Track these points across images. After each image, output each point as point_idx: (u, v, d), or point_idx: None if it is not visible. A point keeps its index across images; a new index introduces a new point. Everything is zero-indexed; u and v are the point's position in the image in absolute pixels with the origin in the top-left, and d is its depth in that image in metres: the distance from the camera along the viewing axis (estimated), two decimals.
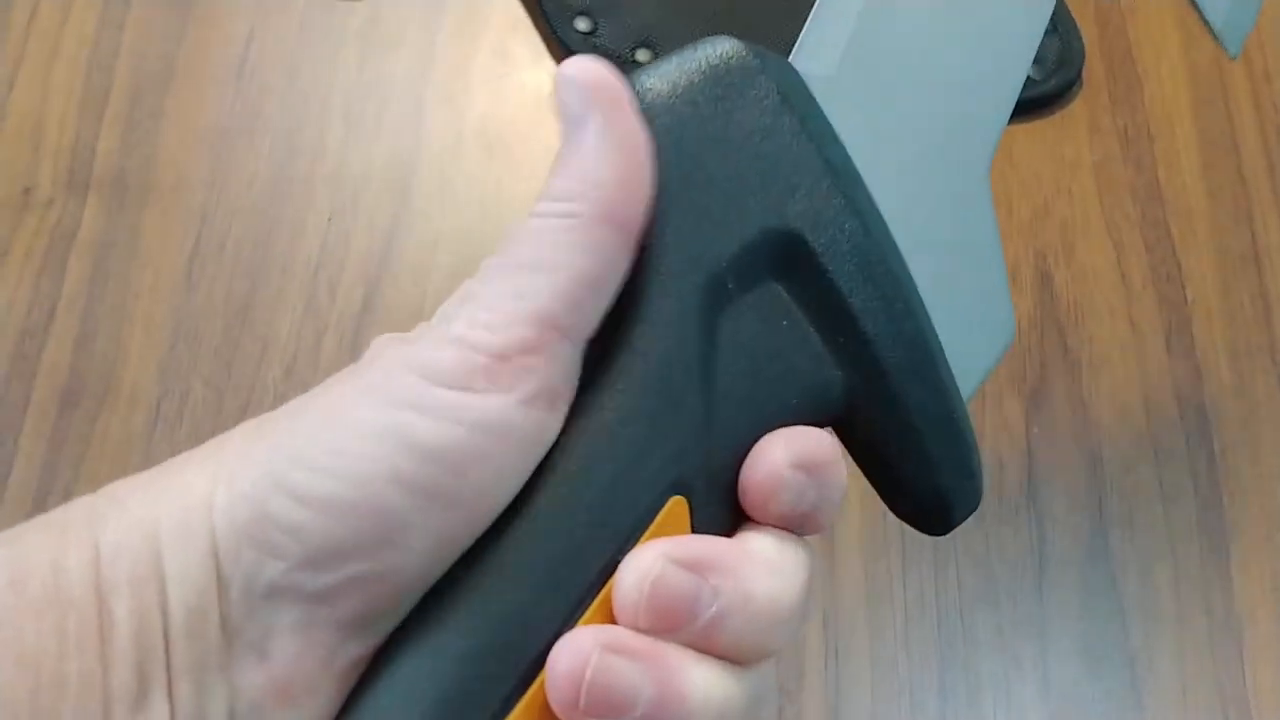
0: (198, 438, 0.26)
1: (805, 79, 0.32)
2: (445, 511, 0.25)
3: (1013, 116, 0.56)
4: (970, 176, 0.34)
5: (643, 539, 0.26)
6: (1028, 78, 0.58)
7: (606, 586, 0.26)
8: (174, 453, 0.26)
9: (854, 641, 0.48)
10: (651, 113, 0.29)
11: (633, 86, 0.29)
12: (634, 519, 0.27)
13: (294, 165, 0.55)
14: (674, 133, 0.29)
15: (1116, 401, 0.53)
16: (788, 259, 0.30)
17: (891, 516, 0.49)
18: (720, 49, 0.30)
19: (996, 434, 0.51)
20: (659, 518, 0.27)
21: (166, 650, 0.24)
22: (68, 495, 0.48)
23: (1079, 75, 0.59)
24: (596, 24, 0.57)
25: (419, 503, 0.25)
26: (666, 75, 0.30)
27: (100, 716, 0.24)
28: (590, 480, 0.27)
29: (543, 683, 0.25)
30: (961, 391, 0.32)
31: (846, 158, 0.31)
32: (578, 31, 0.57)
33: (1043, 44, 0.58)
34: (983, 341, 0.33)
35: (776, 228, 0.29)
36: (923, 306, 0.31)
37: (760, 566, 0.27)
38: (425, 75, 0.57)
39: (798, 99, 0.30)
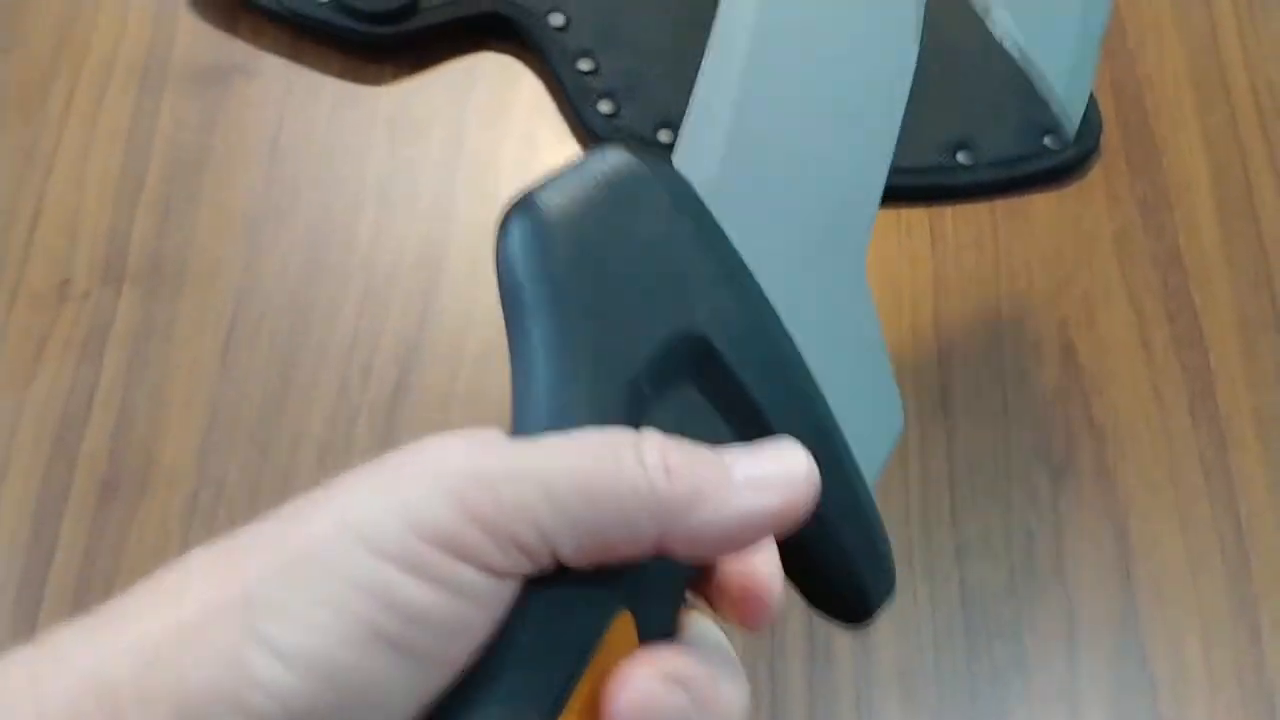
0: (235, 526, 0.26)
1: (690, 184, 0.33)
2: (421, 665, 0.25)
3: (1032, 186, 0.58)
4: (849, 266, 0.36)
5: (595, 656, 0.27)
6: (1045, 147, 0.59)
7: (575, 699, 0.27)
8: (212, 541, 0.26)
9: (887, 716, 0.48)
10: (555, 229, 0.30)
11: (534, 202, 0.30)
12: (588, 638, 0.27)
13: (326, 250, 0.56)
14: (579, 247, 0.30)
15: (1142, 470, 0.53)
16: (696, 360, 0.31)
17: (921, 594, 0.49)
18: (612, 160, 0.31)
19: (1024, 506, 0.52)
20: (609, 634, 0.27)
21: None
22: (108, 583, 0.48)
23: (1097, 145, 0.60)
24: (619, 107, 0.58)
25: (402, 662, 0.25)
26: (565, 190, 0.31)
27: None
28: (544, 608, 0.27)
29: None
30: (866, 477, 0.33)
31: (738, 258, 0.32)
32: (601, 114, 0.58)
33: (1059, 114, 0.59)
34: (876, 430, 0.34)
35: (683, 332, 0.30)
36: (821, 397, 0.32)
37: (727, 672, 0.28)
38: (454, 160, 0.58)
39: (688, 205, 0.32)
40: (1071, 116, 0.50)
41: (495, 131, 0.59)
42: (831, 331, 0.34)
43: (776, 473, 0.28)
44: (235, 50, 0.60)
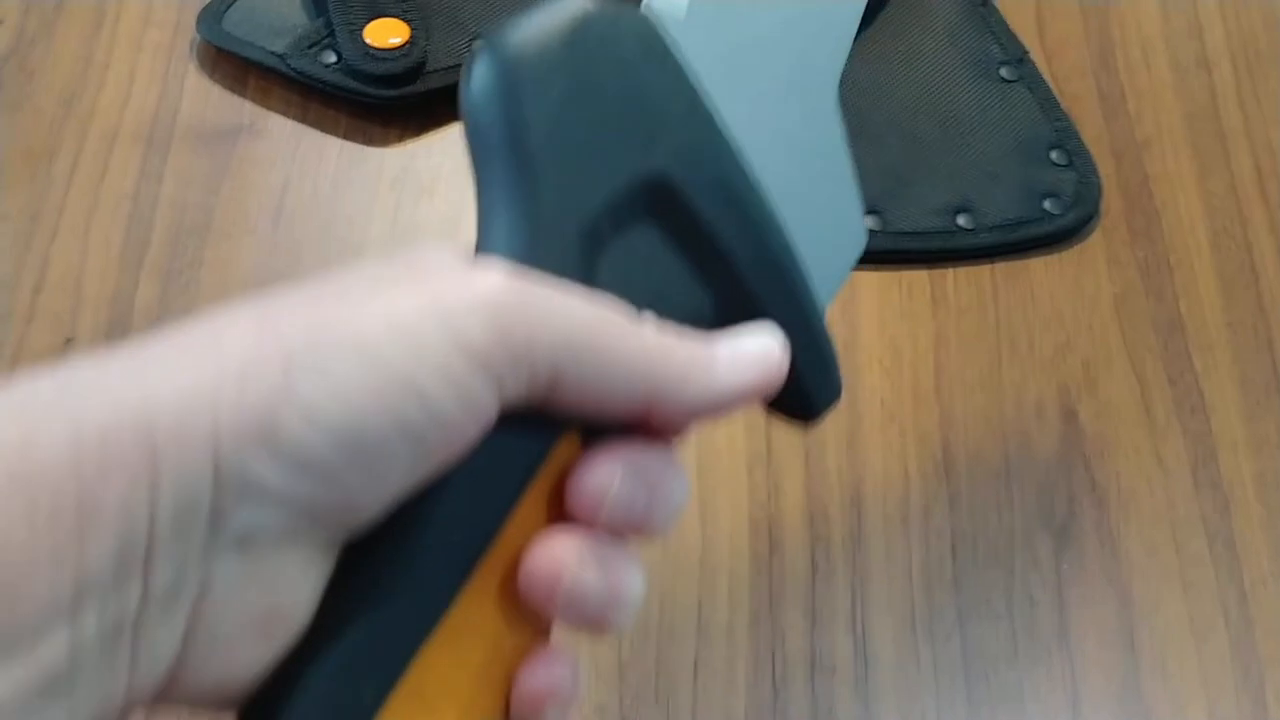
0: None
1: (661, 17, 0.34)
2: (423, 458, 0.28)
3: (1032, 249, 0.58)
4: (820, 96, 0.37)
5: (542, 470, 0.30)
6: (1046, 211, 0.59)
7: (528, 495, 0.30)
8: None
9: None
10: (519, 70, 0.31)
11: (498, 44, 0.32)
12: (540, 450, 0.30)
13: None
14: (541, 88, 0.31)
15: (1145, 536, 0.53)
16: (656, 198, 0.32)
17: (924, 658, 0.49)
18: (577, 3, 0.32)
19: (1026, 570, 0.52)
20: (556, 450, 0.30)
21: (150, 537, 0.25)
22: None
23: (1097, 209, 0.60)
24: None
25: (408, 448, 0.27)
26: (529, 32, 0.32)
27: (70, 596, 0.24)
28: (509, 423, 0.29)
29: (481, 575, 0.30)
30: (824, 296, 0.36)
31: (700, 96, 0.33)
32: None
33: (1059, 179, 0.59)
34: (838, 251, 0.37)
35: (643, 171, 0.32)
36: (779, 230, 0.34)
37: (674, 468, 0.31)
38: (458, 223, 0.58)
39: (653, 46, 0.33)
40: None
41: None
42: (798, 159, 0.36)
43: (754, 353, 0.32)
44: (242, 111, 0.60)
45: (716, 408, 0.31)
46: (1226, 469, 0.55)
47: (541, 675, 0.31)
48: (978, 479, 0.54)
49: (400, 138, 0.60)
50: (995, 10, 0.65)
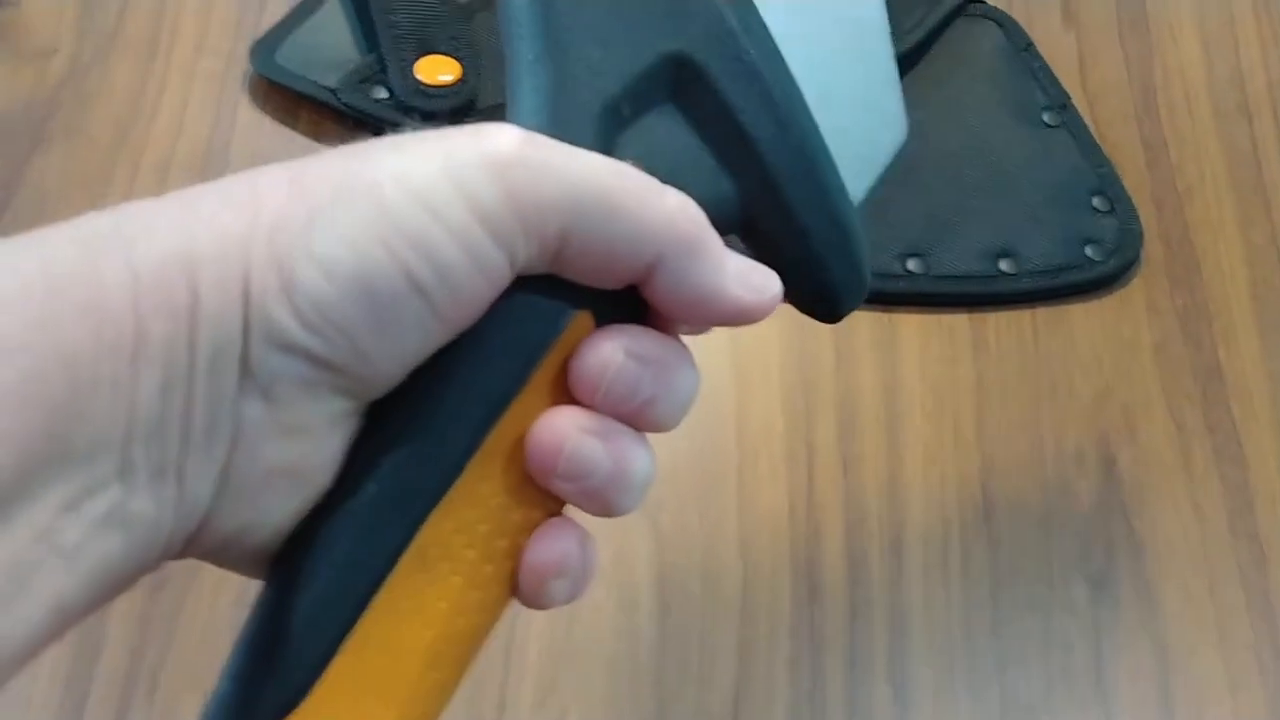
0: None
1: None
2: (433, 319, 0.28)
3: (1073, 295, 0.58)
4: None
5: (554, 345, 0.30)
6: (1087, 258, 0.60)
7: (538, 374, 0.30)
8: None
9: None
10: None
11: None
12: (553, 324, 0.30)
13: None
14: None
15: (1181, 586, 0.53)
16: (679, 80, 0.33)
17: (962, 706, 0.49)
18: None
19: (1063, 617, 0.52)
20: (571, 325, 0.31)
21: (190, 377, 0.27)
22: (154, 678, 0.49)
23: (1138, 255, 0.61)
24: None
25: (417, 303, 0.28)
26: None
27: (125, 423, 0.26)
28: (520, 299, 0.30)
29: (489, 449, 0.30)
30: (857, 188, 0.35)
31: None
32: None
33: (1101, 225, 0.60)
34: (875, 142, 0.37)
35: (665, 52, 0.32)
36: (807, 115, 0.34)
37: (681, 360, 0.32)
38: None
39: None
40: None
41: None
42: (837, 51, 0.36)
43: (758, 279, 0.32)
44: (294, 144, 0.61)
45: (714, 300, 0.31)
46: (1264, 520, 0.55)
47: (545, 548, 0.31)
48: (1017, 525, 0.54)
49: None
50: (1038, 55, 0.66)
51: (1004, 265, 0.59)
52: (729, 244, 0.33)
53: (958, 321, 0.59)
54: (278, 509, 0.29)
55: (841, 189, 0.34)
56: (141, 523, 0.27)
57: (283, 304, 0.27)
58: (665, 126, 0.33)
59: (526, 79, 0.32)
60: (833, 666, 0.50)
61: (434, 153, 0.29)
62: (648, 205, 0.30)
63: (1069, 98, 0.64)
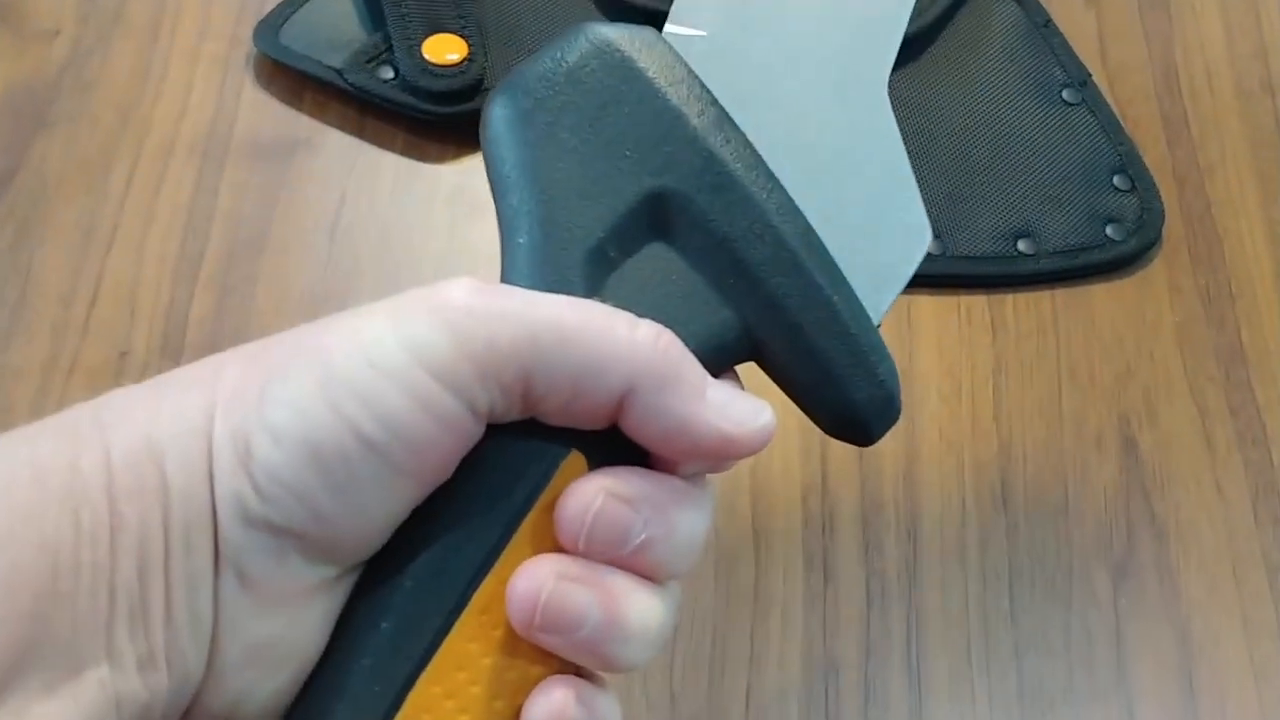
0: None
1: (682, 40, 0.34)
2: (394, 475, 0.28)
3: (1093, 276, 0.57)
4: (868, 96, 0.36)
5: (542, 493, 0.30)
6: (1107, 237, 0.59)
7: (525, 525, 0.30)
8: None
9: None
10: (532, 104, 0.32)
11: (514, 79, 0.33)
12: (541, 472, 0.30)
13: None
14: (549, 124, 0.32)
15: (1205, 570, 0.52)
16: (664, 215, 0.32)
17: (979, 693, 0.48)
18: (589, 35, 0.33)
19: (1085, 605, 0.51)
20: (560, 471, 0.30)
21: (166, 559, 0.27)
22: None
23: (1159, 235, 0.60)
24: None
25: (374, 464, 0.28)
26: (543, 67, 0.33)
27: (107, 607, 0.27)
28: (502, 447, 0.30)
29: (477, 607, 0.29)
30: (880, 302, 0.34)
31: (714, 109, 0.33)
32: None
33: (1121, 204, 0.59)
34: (898, 252, 0.35)
35: (646, 190, 0.32)
36: (808, 231, 0.33)
37: (681, 499, 0.31)
38: None
39: (659, 66, 0.33)
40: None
41: None
42: (842, 162, 0.35)
43: (742, 410, 0.31)
44: (299, 126, 0.60)
45: (691, 432, 0.30)
46: None
47: (536, 706, 0.30)
48: (1036, 511, 0.53)
49: (457, 154, 0.60)
50: (1057, 32, 0.64)
51: (1023, 246, 0.58)
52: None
53: (976, 303, 0.58)
54: (270, 682, 0.29)
55: (854, 304, 0.33)
56: (132, 704, 0.27)
57: (241, 476, 0.27)
58: (656, 263, 0.32)
59: (512, 234, 0.32)
60: (848, 654, 0.49)
61: (383, 312, 0.29)
62: (610, 336, 0.29)
63: (1089, 75, 0.63)
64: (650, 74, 0.33)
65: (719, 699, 0.48)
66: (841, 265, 0.33)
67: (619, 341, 0.29)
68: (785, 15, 0.36)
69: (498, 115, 0.33)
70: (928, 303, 0.58)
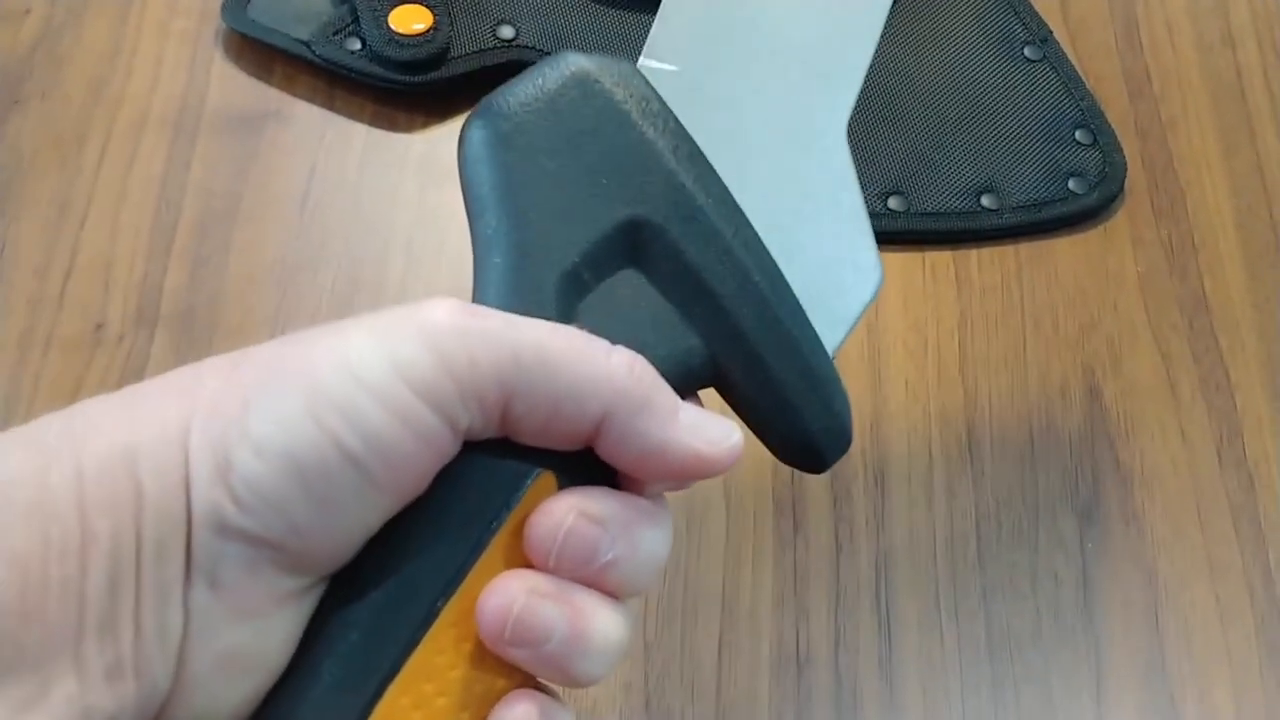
0: None
1: (656, 73, 0.36)
2: (372, 489, 0.28)
3: (1056, 229, 0.58)
4: (827, 139, 0.37)
5: (512, 511, 0.30)
6: (1070, 191, 0.59)
7: (495, 541, 0.30)
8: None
9: None
10: (508, 129, 0.33)
11: (490, 105, 0.34)
12: (512, 488, 0.30)
13: (357, 298, 0.56)
14: (528, 148, 0.33)
15: (1170, 515, 0.53)
16: (638, 243, 0.33)
17: (948, 638, 0.49)
18: (566, 62, 0.34)
19: (1050, 549, 0.52)
20: (530, 489, 0.31)
21: (137, 570, 0.27)
22: None
23: (1121, 188, 0.60)
24: None
25: (354, 477, 0.28)
26: (520, 93, 0.34)
27: (76, 621, 0.27)
28: (475, 463, 0.30)
29: (447, 621, 0.30)
30: (833, 337, 0.35)
31: (687, 142, 0.34)
32: None
33: (1084, 158, 0.59)
34: (850, 291, 0.36)
35: (621, 217, 0.33)
36: (772, 266, 0.34)
37: (646, 519, 0.31)
38: None
39: (637, 98, 0.34)
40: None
41: None
42: (804, 201, 0.36)
43: (714, 431, 0.32)
44: (268, 98, 0.61)
45: (666, 454, 0.31)
46: (1252, 447, 0.54)
47: (505, 717, 0.30)
48: (1002, 459, 0.54)
49: (425, 123, 0.61)
50: None
51: (986, 201, 0.59)
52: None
53: (940, 258, 0.59)
54: (236, 692, 0.29)
55: (813, 338, 0.34)
56: (100, 715, 0.27)
57: (219, 487, 0.27)
58: (628, 289, 0.33)
59: (487, 255, 0.33)
60: (817, 601, 0.50)
61: (368, 328, 0.29)
62: (589, 362, 0.30)
63: (1050, 32, 0.64)
64: (627, 106, 0.34)
65: (692, 648, 0.49)
66: (799, 300, 0.35)
67: (598, 367, 0.30)
68: (752, 56, 0.37)
69: (476, 137, 0.33)
70: (893, 259, 0.58)
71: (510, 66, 0.60)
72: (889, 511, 0.52)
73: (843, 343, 0.36)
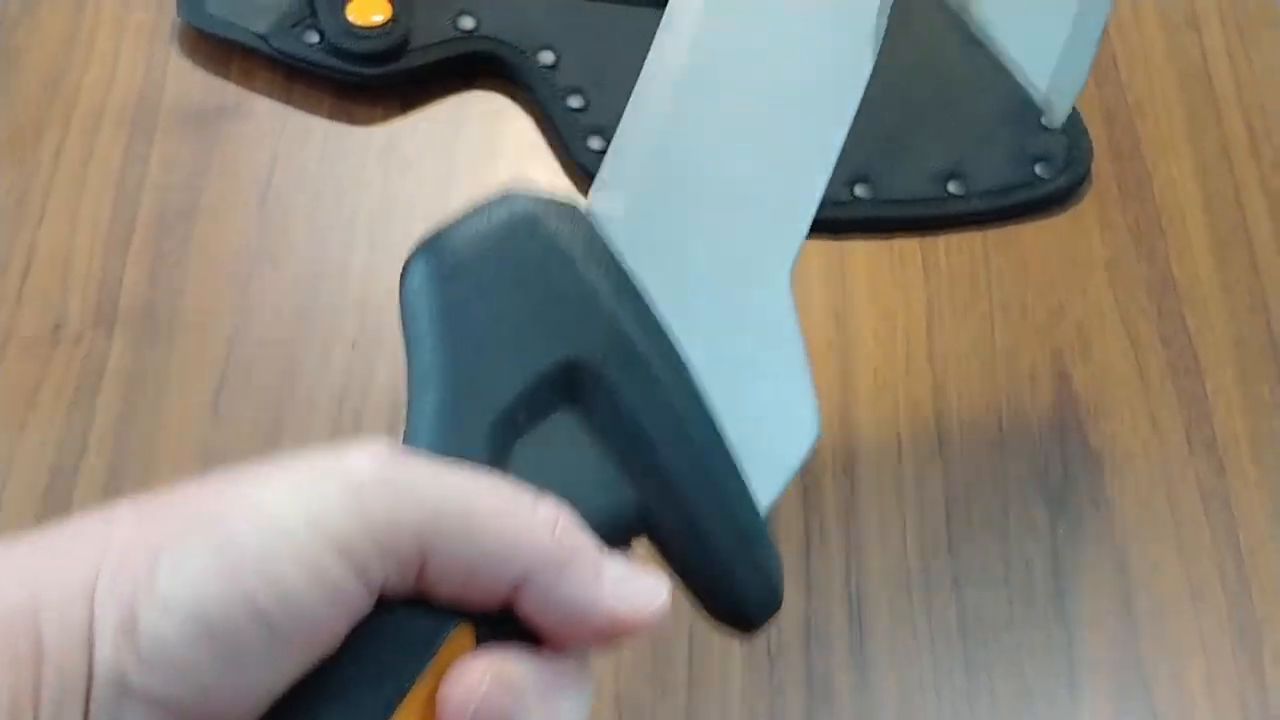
0: None
1: (602, 216, 0.35)
2: (282, 648, 0.27)
3: (1023, 215, 0.58)
4: (771, 287, 0.37)
5: (426, 671, 0.29)
6: (1037, 176, 0.59)
7: (409, 701, 0.29)
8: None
9: None
10: (449, 268, 0.33)
11: (433, 243, 0.33)
12: (426, 645, 0.29)
13: (318, 292, 0.55)
14: (468, 285, 0.33)
15: (1140, 499, 0.53)
16: (575, 384, 0.33)
17: (920, 625, 0.49)
18: (511, 203, 0.34)
19: (1022, 535, 0.52)
20: (447, 644, 0.29)
21: None
22: None
23: (1088, 172, 0.60)
24: (609, 142, 0.58)
25: (265, 637, 0.27)
26: (463, 232, 0.34)
27: None
28: (389, 620, 0.29)
29: None
30: (767, 494, 0.35)
31: (630, 285, 0.34)
32: (591, 150, 0.58)
33: (1050, 143, 0.59)
34: (787, 445, 0.36)
35: (559, 358, 0.33)
36: (709, 419, 0.34)
37: (566, 682, 0.30)
38: (445, 199, 0.58)
39: (579, 242, 0.34)
40: (1057, 108, 0.50)
41: (486, 169, 0.59)
42: (744, 352, 0.36)
43: (638, 589, 0.30)
44: (226, 92, 0.60)
45: (581, 619, 0.30)
46: (1221, 431, 0.54)
47: None
48: (972, 445, 0.53)
49: (385, 115, 0.60)
50: None
51: (953, 187, 0.59)
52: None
53: (908, 246, 0.58)
54: None
55: (745, 496, 0.34)
56: None
57: (123, 645, 0.26)
58: (563, 431, 0.33)
59: (422, 391, 0.32)
60: (789, 593, 0.49)
61: (287, 478, 0.28)
62: (513, 521, 0.29)
63: None
64: (571, 248, 0.34)
65: (662, 640, 0.49)
66: (735, 452, 0.34)
67: (520, 530, 0.29)
68: (700, 198, 0.37)
69: (418, 271, 0.33)
70: (860, 247, 0.58)
71: (474, 57, 0.60)
72: (859, 501, 0.52)
73: (779, 499, 0.35)
